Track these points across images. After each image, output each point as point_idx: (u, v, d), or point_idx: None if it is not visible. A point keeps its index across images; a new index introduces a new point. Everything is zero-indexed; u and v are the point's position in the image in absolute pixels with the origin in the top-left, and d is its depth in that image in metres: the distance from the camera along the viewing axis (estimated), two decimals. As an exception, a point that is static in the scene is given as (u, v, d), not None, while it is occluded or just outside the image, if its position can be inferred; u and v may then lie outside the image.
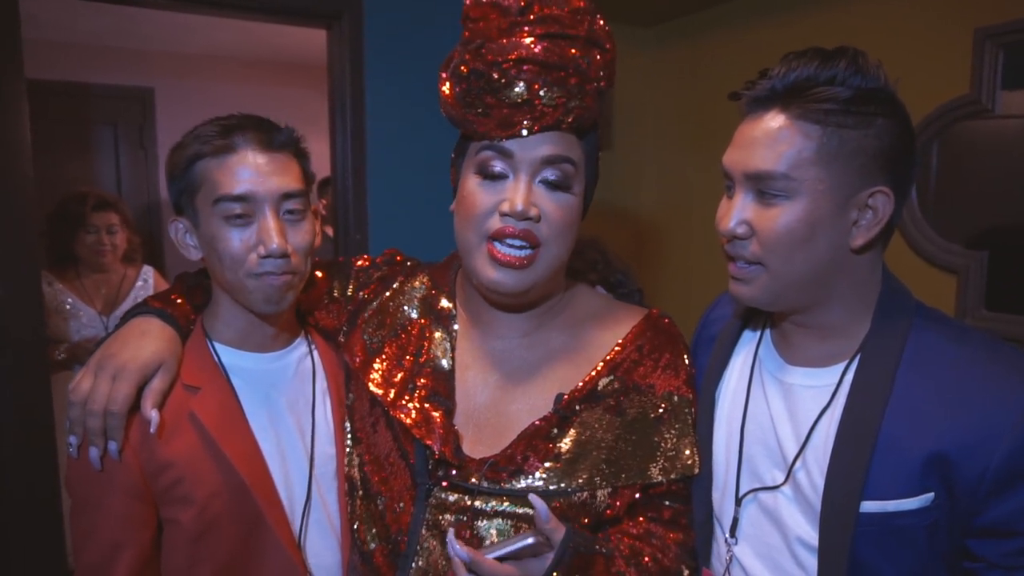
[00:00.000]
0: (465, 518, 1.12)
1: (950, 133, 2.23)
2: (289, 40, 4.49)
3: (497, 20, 1.11)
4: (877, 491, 0.98)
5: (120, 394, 1.09)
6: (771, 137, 0.99)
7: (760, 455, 1.13)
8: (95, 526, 1.11)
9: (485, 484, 1.12)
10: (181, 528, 1.13)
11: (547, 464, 1.12)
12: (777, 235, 1.00)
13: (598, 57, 1.14)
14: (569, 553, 1.02)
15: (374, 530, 1.19)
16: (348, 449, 1.28)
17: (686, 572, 1.19)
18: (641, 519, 1.19)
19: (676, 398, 1.20)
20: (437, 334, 1.26)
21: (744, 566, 1.14)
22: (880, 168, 0.99)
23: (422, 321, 1.29)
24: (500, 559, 1.01)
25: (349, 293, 1.37)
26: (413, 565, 1.13)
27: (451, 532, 1.04)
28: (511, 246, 1.12)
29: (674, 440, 1.18)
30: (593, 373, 1.19)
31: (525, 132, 1.11)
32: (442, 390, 1.20)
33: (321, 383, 1.32)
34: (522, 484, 1.11)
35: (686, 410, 1.20)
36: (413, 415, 1.17)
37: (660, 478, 1.16)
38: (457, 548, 1.00)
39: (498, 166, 1.13)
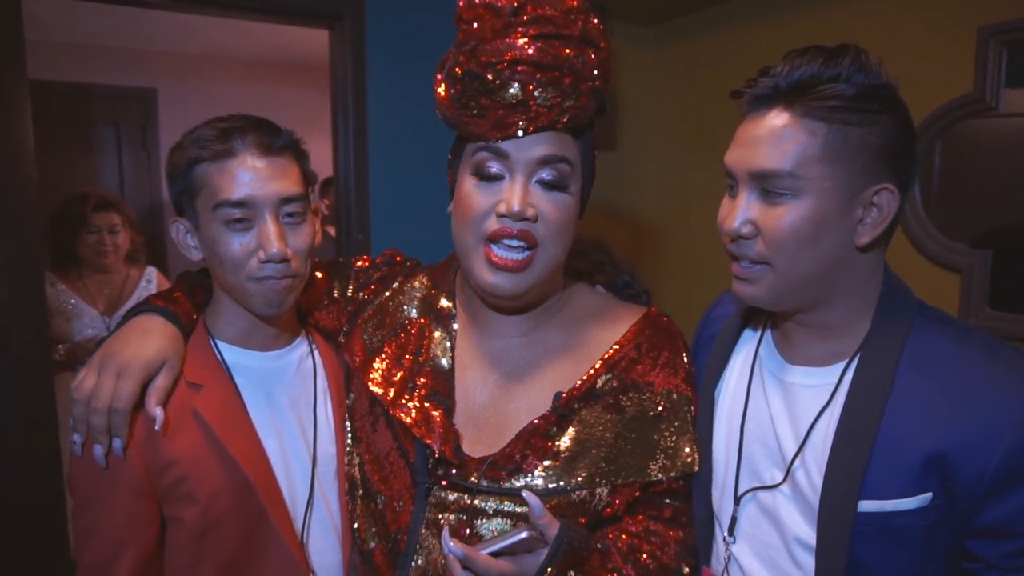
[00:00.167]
0: (465, 517, 1.12)
1: (953, 131, 2.23)
2: (291, 40, 4.49)
3: (491, 21, 1.11)
4: (875, 491, 0.97)
5: (124, 391, 1.09)
6: (776, 135, 0.99)
7: (759, 454, 1.13)
8: (98, 524, 1.11)
9: (484, 483, 1.12)
10: (184, 526, 1.13)
11: (546, 462, 1.12)
12: (783, 234, 0.99)
13: (592, 56, 1.14)
14: (563, 548, 1.03)
15: (374, 529, 1.19)
16: (348, 448, 1.28)
17: (686, 570, 1.19)
18: (641, 517, 1.19)
19: (675, 396, 1.20)
20: (437, 333, 1.27)
21: (742, 565, 1.14)
22: (884, 165, 0.99)
23: (422, 320, 1.29)
24: (495, 554, 1.01)
25: (349, 293, 1.37)
26: (413, 564, 1.13)
27: (446, 529, 1.05)
28: (508, 247, 1.12)
29: (673, 438, 1.18)
30: (592, 371, 1.19)
31: (520, 133, 1.11)
32: (442, 389, 1.20)
33: (322, 382, 1.32)
34: (521, 483, 1.11)
35: (685, 408, 1.20)
36: (413, 414, 1.18)
37: (660, 476, 1.16)
38: (451, 545, 1.00)
39: (494, 167, 1.13)
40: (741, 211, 1.03)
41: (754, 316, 1.26)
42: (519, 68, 1.09)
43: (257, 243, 1.15)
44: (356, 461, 1.25)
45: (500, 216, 1.11)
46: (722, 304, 1.37)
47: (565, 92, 1.11)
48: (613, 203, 3.41)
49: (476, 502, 1.12)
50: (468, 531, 1.12)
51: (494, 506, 1.12)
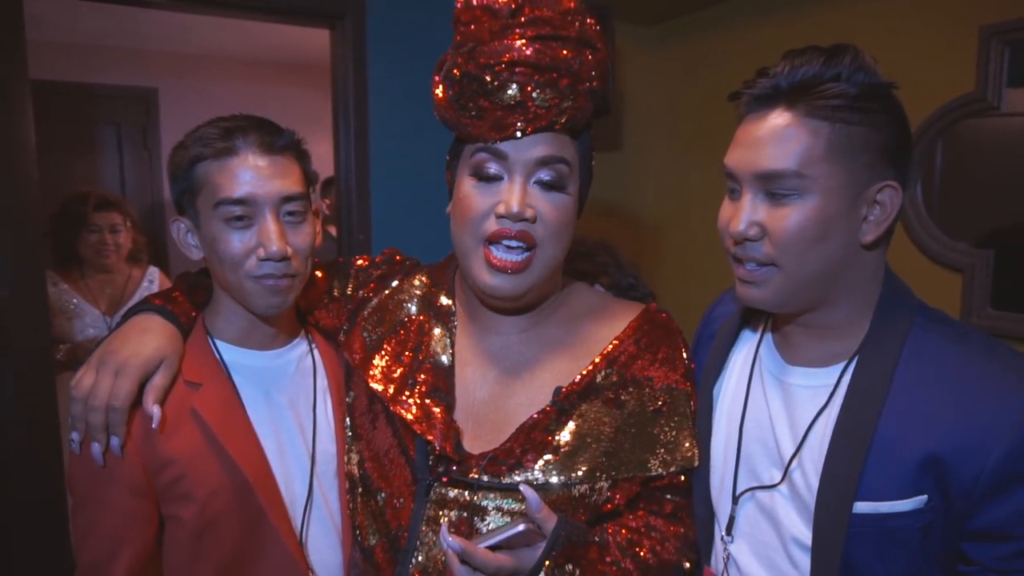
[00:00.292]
0: (465, 514, 1.12)
1: (955, 131, 2.23)
2: (293, 40, 4.49)
3: (488, 23, 1.12)
4: (871, 492, 0.97)
5: (122, 390, 1.09)
6: (779, 136, 0.99)
7: (758, 454, 1.13)
8: (96, 522, 1.11)
9: (485, 479, 1.12)
10: (182, 525, 1.13)
11: (547, 457, 1.13)
12: (791, 234, 0.99)
13: (590, 57, 1.14)
14: (561, 541, 1.03)
15: (374, 526, 1.20)
16: (348, 446, 1.28)
17: (687, 565, 1.19)
18: (641, 513, 1.20)
19: (675, 391, 1.21)
20: (437, 330, 1.27)
21: (740, 564, 1.14)
22: (885, 163, 0.99)
23: (421, 318, 1.30)
24: (493, 548, 1.01)
25: (349, 292, 1.38)
26: (413, 560, 1.14)
27: (444, 524, 1.05)
28: (508, 248, 1.13)
29: (673, 433, 1.18)
30: (591, 366, 1.20)
31: (519, 134, 1.12)
32: (442, 386, 1.21)
33: (322, 381, 1.32)
34: (522, 477, 1.12)
35: (685, 403, 1.21)
36: (414, 411, 1.18)
37: (660, 470, 1.17)
38: (449, 539, 1.00)
39: (493, 168, 1.14)
40: (746, 213, 1.02)
41: (754, 316, 1.26)
42: (517, 69, 1.09)
43: (257, 241, 1.15)
44: (356, 459, 1.25)
45: (499, 217, 1.12)
46: (723, 303, 1.37)
47: (563, 93, 1.12)
48: (617, 203, 3.42)
49: (476, 499, 1.13)
50: (468, 528, 1.12)
51: (494, 503, 1.12)
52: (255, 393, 1.23)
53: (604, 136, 3.37)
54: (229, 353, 1.24)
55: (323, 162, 3.53)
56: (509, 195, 1.12)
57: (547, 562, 1.03)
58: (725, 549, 1.16)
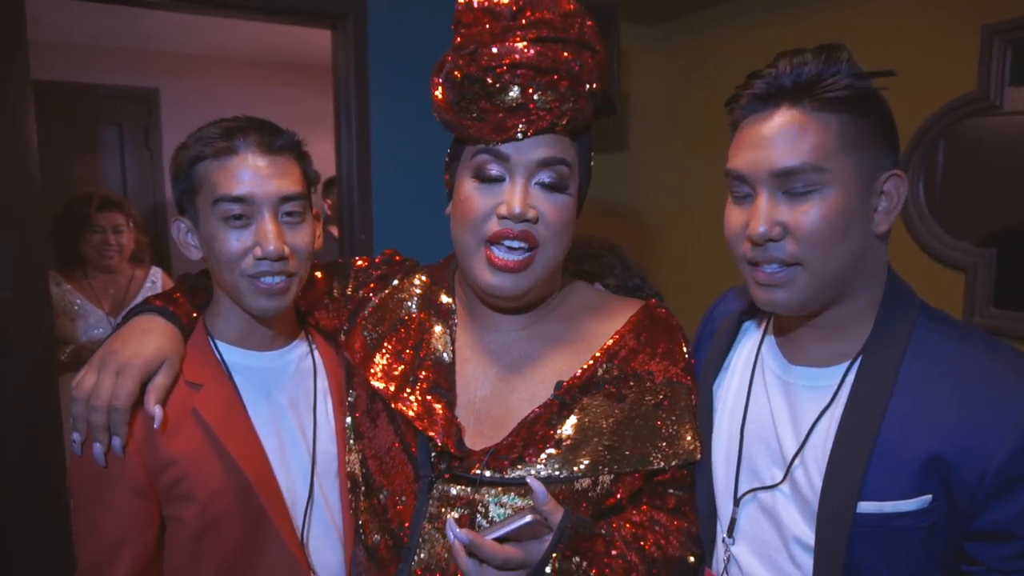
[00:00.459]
0: (467, 511, 1.13)
1: (957, 130, 2.22)
2: (294, 40, 4.50)
3: (490, 25, 1.12)
4: (874, 492, 0.97)
5: (124, 390, 1.09)
6: (790, 132, 0.99)
7: (760, 453, 1.13)
8: (97, 523, 1.11)
9: (487, 474, 1.12)
10: (184, 526, 1.13)
11: (549, 451, 1.13)
12: (816, 229, 0.98)
13: (589, 60, 1.15)
14: (568, 534, 1.03)
15: (377, 524, 1.20)
16: (349, 445, 1.28)
17: (691, 559, 1.19)
18: (645, 508, 1.20)
19: (675, 385, 1.21)
20: (437, 328, 1.28)
21: (741, 565, 1.13)
22: (887, 153, 1.01)
23: (421, 316, 1.30)
24: (500, 540, 1.01)
25: (348, 292, 1.39)
26: (416, 557, 1.14)
27: (450, 517, 1.05)
28: (509, 249, 1.13)
29: (675, 426, 1.19)
30: (592, 360, 1.20)
31: (520, 135, 1.12)
32: (443, 382, 1.21)
33: (322, 382, 1.33)
34: (524, 472, 1.12)
35: (686, 397, 1.21)
36: (415, 407, 1.19)
37: (662, 464, 1.17)
38: (456, 531, 1.00)
39: (494, 169, 1.14)
40: (766, 214, 1.01)
41: (755, 315, 1.26)
42: (519, 71, 1.10)
43: (254, 240, 1.15)
44: (358, 458, 1.26)
45: (501, 218, 1.12)
46: (724, 302, 1.37)
47: (564, 95, 1.12)
48: (623, 204, 3.42)
49: (479, 495, 1.13)
50: (470, 525, 1.12)
51: (497, 499, 1.12)
52: (256, 394, 1.23)
53: (609, 137, 3.37)
54: (230, 354, 1.24)
55: (324, 162, 3.54)
56: (511, 196, 1.12)
57: (554, 555, 1.02)
58: (726, 551, 1.16)
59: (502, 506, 1.12)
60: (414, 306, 1.32)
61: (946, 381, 0.98)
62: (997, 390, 0.94)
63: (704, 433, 1.21)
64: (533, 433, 1.14)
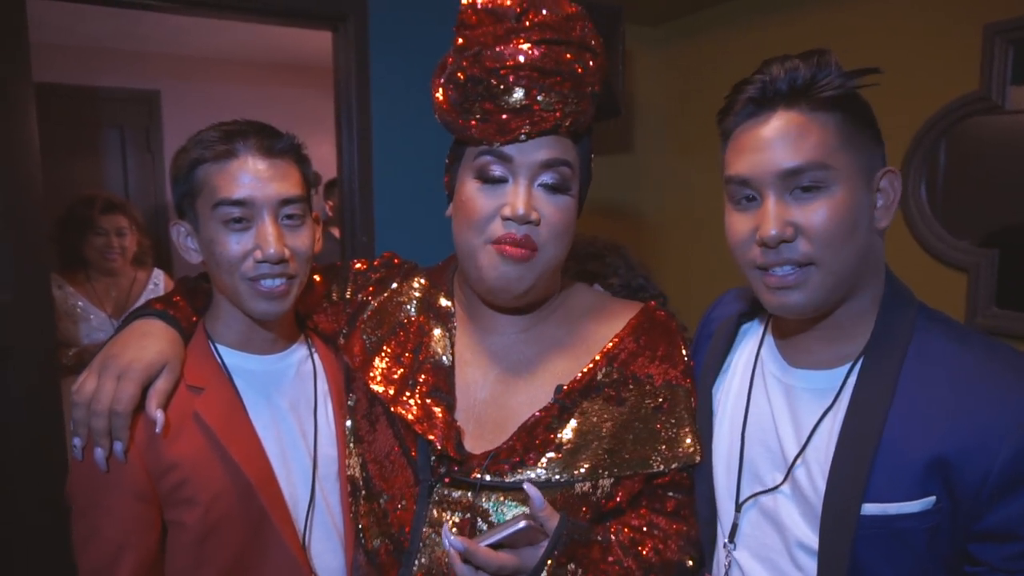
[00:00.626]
0: (468, 515, 1.13)
1: (959, 129, 2.22)
2: (295, 42, 4.50)
3: (493, 27, 1.12)
4: (878, 494, 0.97)
5: (125, 394, 1.09)
6: (792, 133, 1.00)
7: (761, 457, 1.13)
8: (98, 528, 1.11)
9: (487, 478, 1.12)
10: (186, 530, 1.13)
11: (549, 455, 1.13)
12: (828, 227, 0.98)
13: (591, 61, 1.15)
14: (563, 540, 1.03)
15: (377, 529, 1.20)
16: (349, 450, 1.28)
17: (689, 563, 1.19)
18: (644, 511, 1.20)
19: (675, 387, 1.21)
20: (436, 331, 1.27)
21: (743, 569, 1.13)
22: (878, 151, 1.04)
23: (420, 319, 1.30)
24: (496, 545, 1.01)
25: (348, 296, 1.38)
26: (416, 562, 1.14)
27: (446, 524, 1.05)
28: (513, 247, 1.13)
29: (674, 429, 1.19)
30: (592, 364, 1.20)
31: (524, 137, 1.12)
32: (443, 386, 1.21)
33: (322, 385, 1.32)
34: (524, 476, 1.12)
35: (685, 399, 1.21)
36: (415, 411, 1.18)
37: (661, 467, 1.17)
38: (451, 538, 1.01)
39: (498, 170, 1.14)
40: (775, 216, 1.00)
41: (753, 317, 1.26)
42: (522, 73, 1.10)
43: (255, 243, 1.15)
44: (358, 462, 1.26)
45: (505, 219, 1.13)
46: (721, 305, 1.37)
47: (567, 97, 1.13)
48: (626, 204, 3.42)
49: (479, 500, 1.13)
50: (471, 529, 1.12)
51: (497, 503, 1.12)
52: (256, 397, 1.23)
53: (614, 138, 3.37)
54: (230, 357, 1.24)
55: (326, 163, 3.54)
56: (514, 197, 1.12)
57: (549, 561, 1.03)
58: (727, 555, 1.15)
59: (502, 511, 1.12)
60: (413, 309, 1.32)
61: (947, 381, 0.98)
62: (997, 390, 0.94)
63: (704, 436, 1.21)
64: (533, 437, 1.14)
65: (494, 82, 1.11)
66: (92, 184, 4.38)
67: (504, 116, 1.12)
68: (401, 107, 2.79)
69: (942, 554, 0.98)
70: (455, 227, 1.19)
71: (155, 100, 5.00)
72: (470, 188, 1.16)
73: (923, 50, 2.26)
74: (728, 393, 1.22)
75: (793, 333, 1.12)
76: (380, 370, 1.26)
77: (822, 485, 1.02)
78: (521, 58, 1.10)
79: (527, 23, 1.12)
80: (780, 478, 1.09)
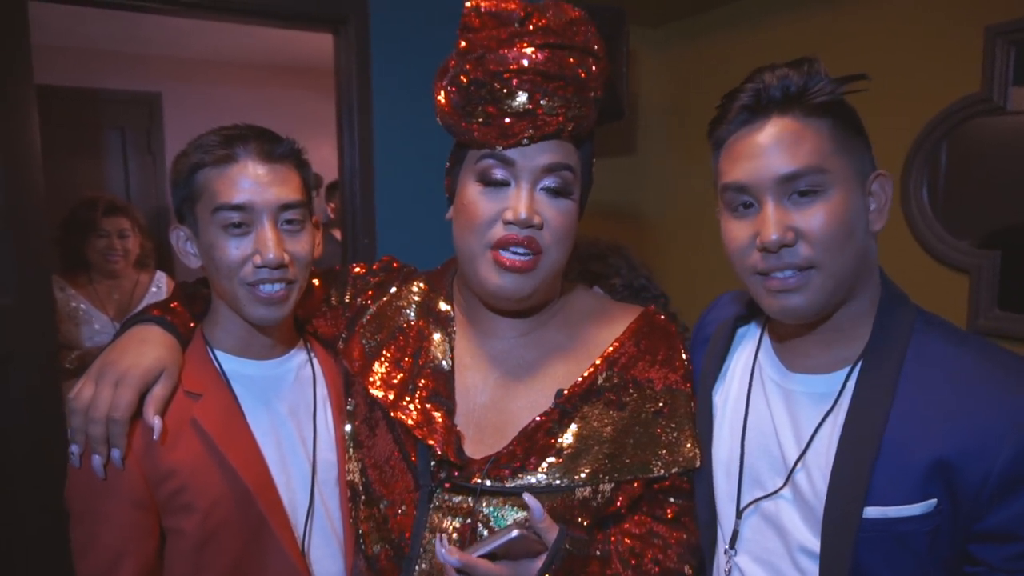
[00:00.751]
0: (468, 520, 1.12)
1: (961, 131, 2.22)
2: (296, 44, 4.51)
3: (497, 31, 1.12)
4: (880, 497, 0.97)
5: (123, 401, 1.09)
6: (788, 139, 1.01)
7: (762, 462, 1.13)
8: (96, 536, 1.11)
9: (488, 483, 1.12)
10: (184, 536, 1.13)
11: (549, 460, 1.13)
12: (827, 231, 0.99)
13: (594, 67, 1.15)
14: (561, 555, 1.03)
15: (378, 534, 1.20)
16: (349, 455, 1.28)
17: (688, 571, 1.19)
18: (645, 518, 1.20)
19: (675, 392, 1.21)
20: (436, 336, 1.27)
21: (744, 573, 1.13)
22: (868, 155, 1.05)
23: (420, 323, 1.30)
24: (490, 555, 1.01)
25: (347, 300, 1.38)
26: (417, 568, 1.14)
27: (439, 539, 1.05)
28: (515, 253, 1.13)
29: (674, 434, 1.19)
30: (592, 368, 1.20)
31: (527, 141, 1.12)
32: (443, 390, 1.21)
33: (321, 390, 1.32)
34: (525, 481, 1.11)
35: (685, 404, 1.21)
36: (414, 416, 1.18)
37: (662, 471, 1.17)
38: (443, 553, 1.00)
39: (500, 174, 1.14)
40: (775, 220, 1.01)
41: (749, 320, 1.26)
42: (526, 77, 1.10)
43: (254, 248, 1.15)
44: (357, 467, 1.25)
45: (507, 223, 1.12)
46: (717, 308, 1.37)
47: (570, 101, 1.13)
48: (631, 206, 3.42)
49: (479, 505, 1.12)
50: (472, 535, 1.12)
51: (497, 509, 1.12)
52: (255, 403, 1.23)
53: (618, 140, 3.37)
54: (228, 363, 1.23)
55: (327, 165, 3.54)
56: (517, 201, 1.12)
57: (547, 574, 1.03)
58: (728, 561, 1.15)
59: (503, 516, 1.12)
60: (412, 314, 1.32)
61: (947, 383, 0.98)
62: (996, 391, 0.95)
63: (704, 440, 1.21)
64: (534, 442, 1.14)
65: (497, 86, 1.11)
66: (93, 186, 4.38)
67: (507, 120, 1.11)
68: (402, 109, 2.79)
69: (942, 555, 0.98)
70: (456, 231, 1.19)
71: (156, 102, 5.00)
72: (471, 191, 1.16)
73: (924, 52, 2.26)
74: (727, 398, 1.21)
75: (791, 337, 1.12)
76: (379, 375, 1.25)
77: (823, 489, 1.02)
78: (525, 62, 1.10)
79: (531, 27, 1.12)
80: (781, 483, 1.09)
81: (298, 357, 1.33)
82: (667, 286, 1.86)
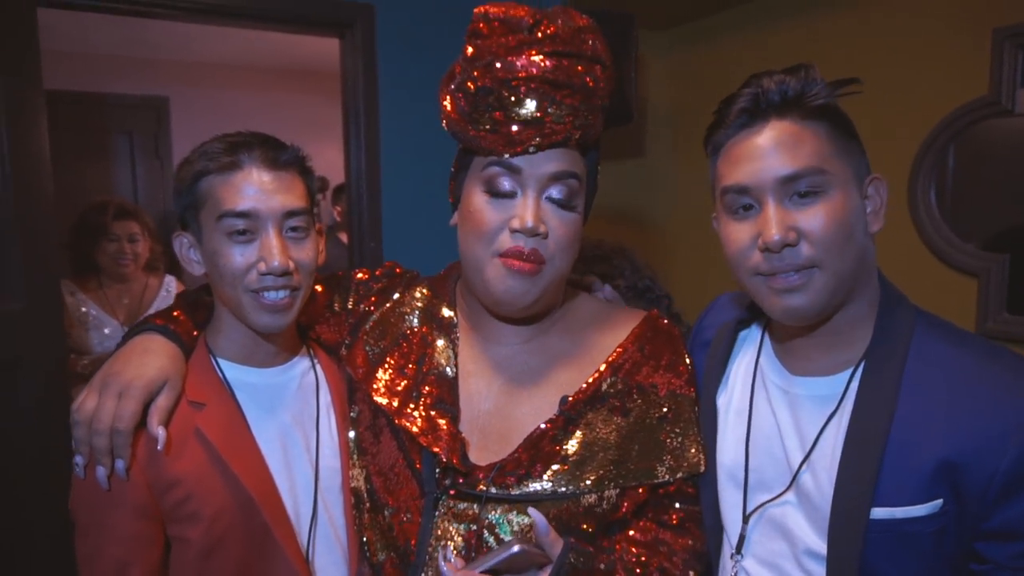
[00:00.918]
0: (474, 527, 1.12)
1: (969, 134, 2.21)
2: (303, 48, 4.52)
3: (505, 38, 1.12)
4: (886, 498, 0.98)
5: (126, 411, 1.08)
6: (788, 141, 1.02)
7: (767, 466, 1.13)
8: (102, 546, 1.11)
9: (493, 490, 1.12)
10: (189, 545, 1.13)
11: (554, 467, 1.13)
12: (828, 230, 1.00)
13: (601, 76, 1.15)
14: (567, 568, 1.03)
15: (383, 542, 1.20)
16: (353, 462, 1.28)
17: None
18: (651, 524, 1.19)
19: (679, 397, 1.21)
20: (440, 342, 1.27)
21: None
22: (863, 158, 1.07)
23: (423, 330, 1.30)
24: (493, 570, 1.01)
25: (350, 306, 1.38)
26: (423, 575, 1.13)
27: (440, 555, 1.04)
28: (520, 260, 1.13)
29: (679, 439, 1.19)
30: (596, 374, 1.20)
31: (534, 149, 1.12)
32: (447, 397, 1.21)
33: (325, 397, 1.32)
34: (530, 488, 1.11)
35: (689, 409, 1.21)
36: (419, 423, 1.18)
37: (667, 477, 1.17)
38: (444, 569, 1.01)
39: (507, 185, 1.14)
40: (778, 221, 1.02)
41: (750, 324, 1.26)
42: (534, 85, 1.10)
43: (258, 256, 1.15)
44: (362, 474, 1.25)
45: (513, 232, 1.12)
46: (715, 310, 1.38)
47: (577, 110, 1.13)
48: (639, 209, 3.41)
49: (485, 512, 1.12)
50: (478, 543, 1.11)
51: (503, 516, 1.12)
52: (259, 411, 1.23)
53: (626, 143, 3.37)
54: (232, 371, 1.23)
55: (333, 168, 3.54)
56: (523, 210, 1.12)
57: None
58: (734, 566, 1.15)
59: (509, 524, 1.12)
60: (416, 320, 1.32)
61: (949, 383, 0.99)
62: (998, 391, 0.96)
63: (708, 445, 1.21)
64: (539, 449, 1.14)
65: (505, 93, 1.11)
66: (101, 190, 4.40)
67: (514, 127, 1.11)
68: (408, 113, 2.80)
69: (948, 554, 0.99)
70: (461, 237, 1.19)
71: (164, 106, 5.03)
72: (478, 200, 1.16)
73: (932, 55, 2.25)
74: (730, 402, 1.22)
75: (792, 341, 1.13)
76: (383, 382, 1.25)
77: (829, 491, 1.02)
78: (533, 70, 1.10)
79: (539, 35, 1.11)
80: (786, 486, 1.09)
81: (301, 364, 1.32)
82: (675, 288, 1.86)
